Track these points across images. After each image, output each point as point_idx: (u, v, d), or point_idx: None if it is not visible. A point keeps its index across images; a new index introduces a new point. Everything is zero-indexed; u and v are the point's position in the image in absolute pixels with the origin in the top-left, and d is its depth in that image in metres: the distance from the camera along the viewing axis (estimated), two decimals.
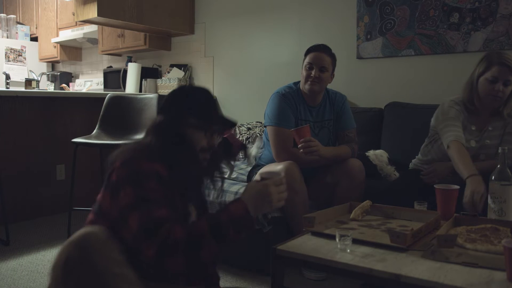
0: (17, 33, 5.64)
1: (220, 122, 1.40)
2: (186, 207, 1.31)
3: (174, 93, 1.40)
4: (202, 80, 4.32)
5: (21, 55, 5.60)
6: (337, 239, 1.33)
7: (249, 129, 3.40)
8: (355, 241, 1.34)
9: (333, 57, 2.37)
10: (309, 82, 2.31)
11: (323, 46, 2.37)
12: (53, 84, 5.49)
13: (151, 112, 3.06)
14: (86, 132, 3.13)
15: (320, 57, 2.31)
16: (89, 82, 5.25)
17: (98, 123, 3.12)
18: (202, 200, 1.46)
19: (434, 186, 1.72)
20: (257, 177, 1.33)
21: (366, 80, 3.26)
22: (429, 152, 2.27)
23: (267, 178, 1.27)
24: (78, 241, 1.08)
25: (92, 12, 3.69)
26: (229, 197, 2.26)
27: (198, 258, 1.14)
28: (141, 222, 1.13)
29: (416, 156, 2.39)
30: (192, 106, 1.35)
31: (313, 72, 2.29)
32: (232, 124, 1.41)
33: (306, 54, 2.37)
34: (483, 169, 1.89)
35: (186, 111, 1.33)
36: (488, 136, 2.11)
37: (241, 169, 2.84)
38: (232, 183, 2.39)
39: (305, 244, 1.39)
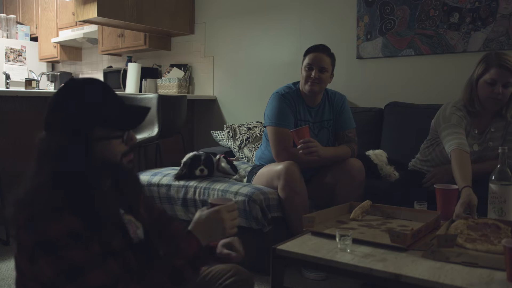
0: (17, 33, 5.63)
1: (135, 116, 1.12)
2: (123, 229, 1.11)
3: (60, 100, 1.04)
4: (202, 80, 4.32)
5: (21, 55, 5.60)
6: (337, 239, 1.33)
7: (249, 129, 3.41)
8: (355, 241, 1.35)
9: (332, 57, 2.37)
10: (309, 83, 2.31)
11: (322, 46, 2.36)
12: (53, 84, 5.48)
13: (151, 112, 3.06)
14: None
15: (320, 58, 2.31)
16: None
17: None
18: (135, 204, 1.21)
19: (434, 186, 1.72)
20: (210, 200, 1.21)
21: (366, 80, 3.26)
22: (430, 154, 2.26)
23: (218, 204, 1.15)
24: None
25: (92, 12, 3.69)
26: (229, 197, 2.25)
27: None
28: None
29: (416, 156, 2.39)
30: (94, 113, 1.03)
31: (313, 73, 2.29)
32: (145, 113, 1.13)
33: (305, 55, 2.37)
34: (483, 170, 1.89)
35: (89, 123, 1.03)
36: (490, 138, 2.10)
37: (241, 169, 2.84)
38: (232, 183, 2.39)
39: (305, 244, 1.39)
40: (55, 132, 1.03)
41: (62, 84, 1.09)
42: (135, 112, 1.14)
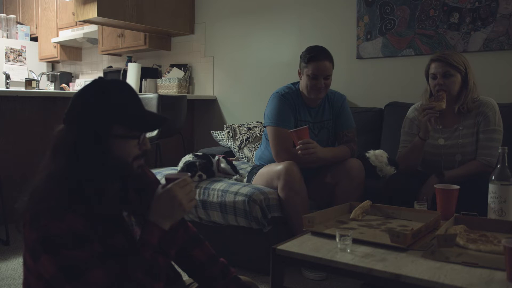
0: (17, 33, 5.63)
1: (152, 121, 1.16)
2: (127, 231, 1.12)
3: (85, 96, 1.07)
4: (202, 80, 4.32)
5: (21, 55, 5.60)
6: (337, 239, 1.33)
7: (249, 129, 3.40)
8: (355, 241, 1.35)
9: (332, 61, 2.34)
10: (315, 92, 2.30)
11: (323, 53, 2.29)
12: (53, 84, 5.49)
13: None
14: None
15: (324, 67, 2.27)
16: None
17: None
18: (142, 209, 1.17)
19: (434, 186, 1.72)
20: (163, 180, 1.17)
21: (366, 80, 3.26)
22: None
23: (173, 179, 1.11)
24: None
25: (92, 12, 3.69)
26: (229, 197, 2.26)
27: None
28: None
29: None
30: (117, 111, 1.06)
31: (319, 83, 2.28)
32: (164, 120, 1.16)
33: (307, 62, 2.28)
34: (457, 176, 1.99)
35: (110, 120, 1.06)
36: (459, 136, 2.15)
37: (241, 169, 2.85)
38: (232, 183, 2.39)
39: (305, 244, 1.39)
40: (74, 126, 1.05)
41: (89, 81, 1.12)
42: (154, 117, 1.17)
